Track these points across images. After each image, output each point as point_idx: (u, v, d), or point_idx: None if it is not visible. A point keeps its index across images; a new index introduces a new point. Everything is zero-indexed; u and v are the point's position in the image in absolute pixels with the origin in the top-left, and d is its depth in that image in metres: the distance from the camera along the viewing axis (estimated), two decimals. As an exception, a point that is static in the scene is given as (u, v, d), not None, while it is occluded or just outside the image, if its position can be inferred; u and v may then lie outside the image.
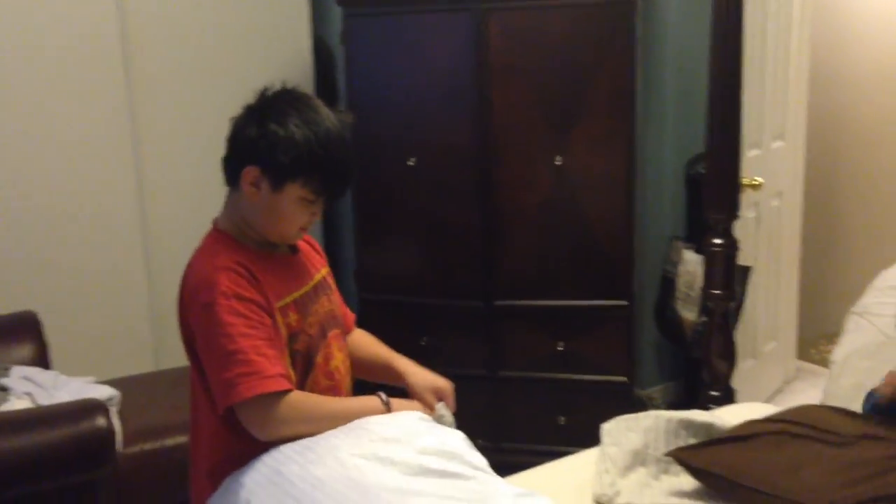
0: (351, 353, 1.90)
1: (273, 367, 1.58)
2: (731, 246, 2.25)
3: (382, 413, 1.68)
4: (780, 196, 3.76)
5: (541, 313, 3.32)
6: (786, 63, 3.69)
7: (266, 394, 1.56)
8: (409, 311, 3.45)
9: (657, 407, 3.67)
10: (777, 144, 3.68)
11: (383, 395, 1.74)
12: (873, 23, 4.34)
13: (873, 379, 2.90)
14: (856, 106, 4.42)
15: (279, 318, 1.66)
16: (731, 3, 2.17)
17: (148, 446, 2.50)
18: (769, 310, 3.79)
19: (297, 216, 1.69)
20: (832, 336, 4.44)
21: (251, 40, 3.64)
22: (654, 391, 3.84)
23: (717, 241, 2.24)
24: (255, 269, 1.65)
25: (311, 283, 1.80)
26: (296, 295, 1.73)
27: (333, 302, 1.86)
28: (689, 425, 1.88)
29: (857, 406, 2.83)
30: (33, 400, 2.43)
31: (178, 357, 3.41)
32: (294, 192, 1.64)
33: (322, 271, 1.87)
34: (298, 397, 1.62)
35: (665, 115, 3.71)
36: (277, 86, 1.71)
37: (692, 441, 1.86)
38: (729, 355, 2.36)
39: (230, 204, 1.74)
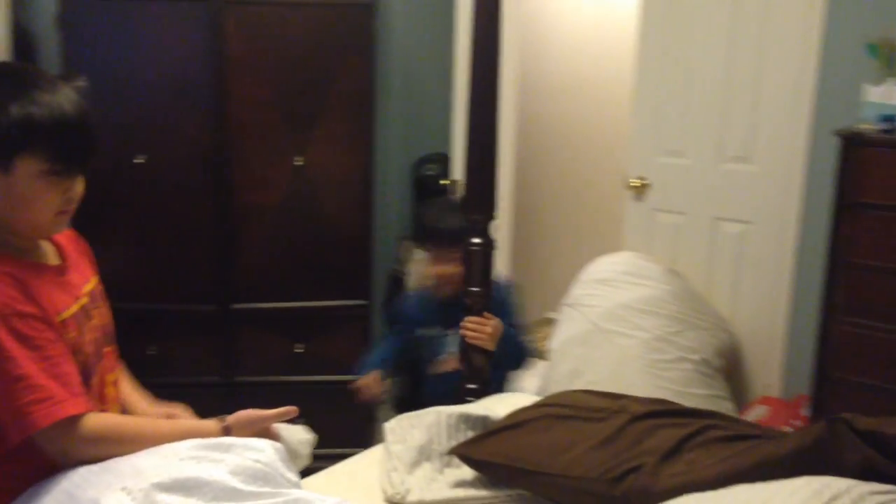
0: None
1: (67, 387, 1.42)
2: (489, 245, 2.39)
3: (215, 435, 1.56)
4: (494, 198, 4.03)
5: (279, 316, 3.29)
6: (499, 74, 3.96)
7: (64, 419, 1.40)
8: (137, 318, 3.24)
9: (387, 403, 3.78)
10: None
11: (225, 419, 1.61)
12: (568, 41, 4.81)
13: (587, 364, 3.25)
14: (550, 115, 4.86)
15: (61, 333, 1.49)
16: (490, 17, 2.30)
17: None
18: (485, 304, 4.05)
19: (46, 198, 1.45)
20: (533, 327, 4.86)
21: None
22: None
23: (477, 240, 2.37)
24: (26, 279, 1.45)
25: (85, 295, 1.62)
26: (73, 309, 1.55)
27: (106, 316, 1.70)
28: (468, 419, 1.97)
29: (574, 387, 3.15)
30: None
31: None
32: (29, 167, 1.41)
33: (94, 279, 1.70)
34: (105, 417, 1.49)
35: (392, 117, 3.83)
36: None
37: (471, 434, 1.96)
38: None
39: None
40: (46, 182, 1.44)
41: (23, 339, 1.39)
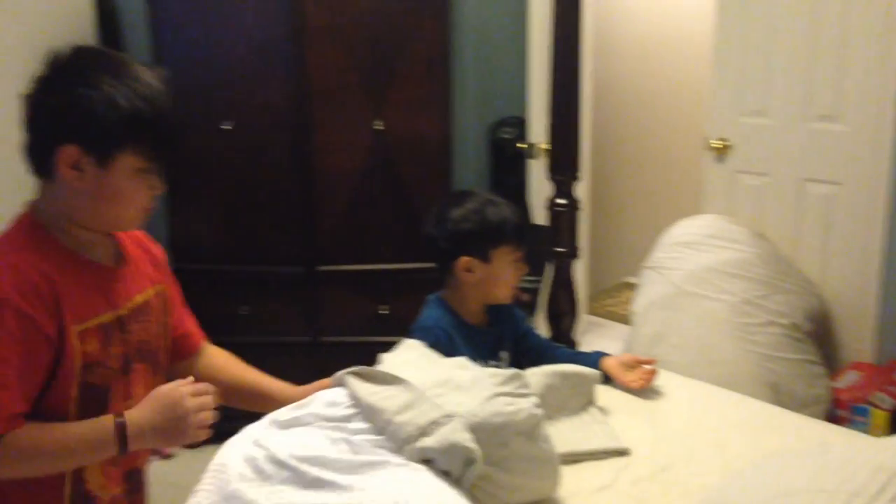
0: (208, 377, 1.64)
1: (8, 405, 1.33)
2: (574, 205, 2.38)
3: (112, 437, 1.39)
4: (571, 161, 3.99)
5: (362, 277, 3.32)
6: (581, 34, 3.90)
7: None
8: (227, 280, 3.31)
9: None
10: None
11: (120, 417, 1.42)
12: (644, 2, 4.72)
13: (670, 327, 3.21)
14: (628, 77, 4.78)
15: (75, 343, 1.40)
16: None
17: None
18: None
19: (135, 194, 1.41)
20: (611, 291, 4.83)
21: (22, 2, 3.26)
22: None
23: (561, 200, 2.36)
24: (59, 281, 1.37)
25: (128, 306, 1.52)
26: (102, 319, 1.45)
27: (151, 331, 1.58)
28: (565, 376, 1.97)
29: (657, 352, 3.12)
30: None
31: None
32: (126, 163, 1.37)
33: (152, 290, 1.59)
34: (18, 434, 1.34)
35: (468, 81, 3.81)
36: (68, 48, 1.41)
37: (570, 391, 1.96)
38: (572, 310, 2.49)
39: (46, 196, 1.43)
40: (140, 178, 1.41)
41: (6, 334, 1.32)
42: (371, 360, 3.47)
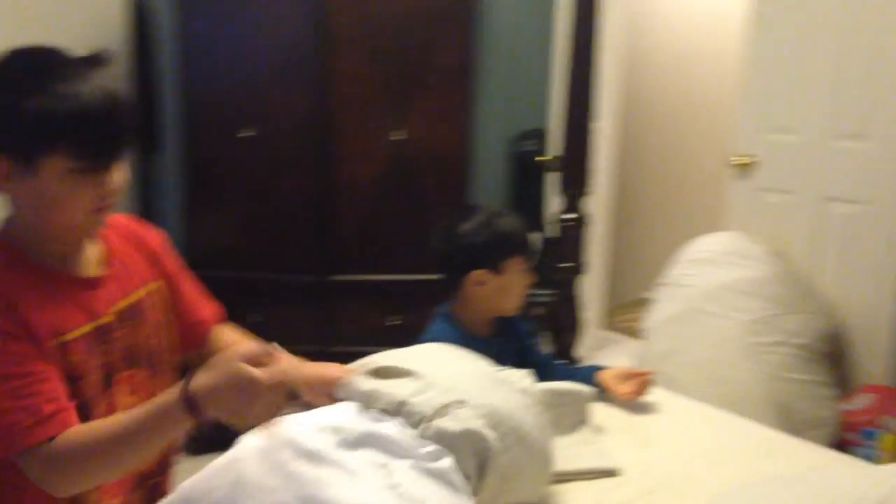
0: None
1: (44, 406, 1.28)
2: (582, 220, 2.38)
3: (181, 415, 1.24)
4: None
5: (376, 287, 3.35)
6: (601, 47, 3.89)
7: (28, 448, 1.26)
8: (241, 286, 3.35)
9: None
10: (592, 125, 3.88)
11: (186, 388, 1.26)
12: (677, 16, 4.69)
13: (682, 344, 3.20)
14: (655, 91, 4.76)
15: (56, 356, 1.34)
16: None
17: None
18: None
19: (76, 197, 1.32)
20: (631, 306, 4.80)
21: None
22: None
23: (570, 215, 2.36)
24: (26, 296, 1.32)
25: (113, 312, 1.46)
26: (84, 329, 1.39)
27: (143, 333, 1.51)
28: (556, 394, 1.97)
29: (667, 369, 3.11)
30: None
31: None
32: (54, 166, 1.28)
33: (143, 290, 1.52)
34: (68, 435, 1.28)
35: (491, 93, 3.82)
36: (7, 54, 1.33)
37: (562, 409, 1.96)
38: (575, 326, 2.50)
39: (13, 213, 1.38)
40: (76, 180, 1.31)
41: None
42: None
